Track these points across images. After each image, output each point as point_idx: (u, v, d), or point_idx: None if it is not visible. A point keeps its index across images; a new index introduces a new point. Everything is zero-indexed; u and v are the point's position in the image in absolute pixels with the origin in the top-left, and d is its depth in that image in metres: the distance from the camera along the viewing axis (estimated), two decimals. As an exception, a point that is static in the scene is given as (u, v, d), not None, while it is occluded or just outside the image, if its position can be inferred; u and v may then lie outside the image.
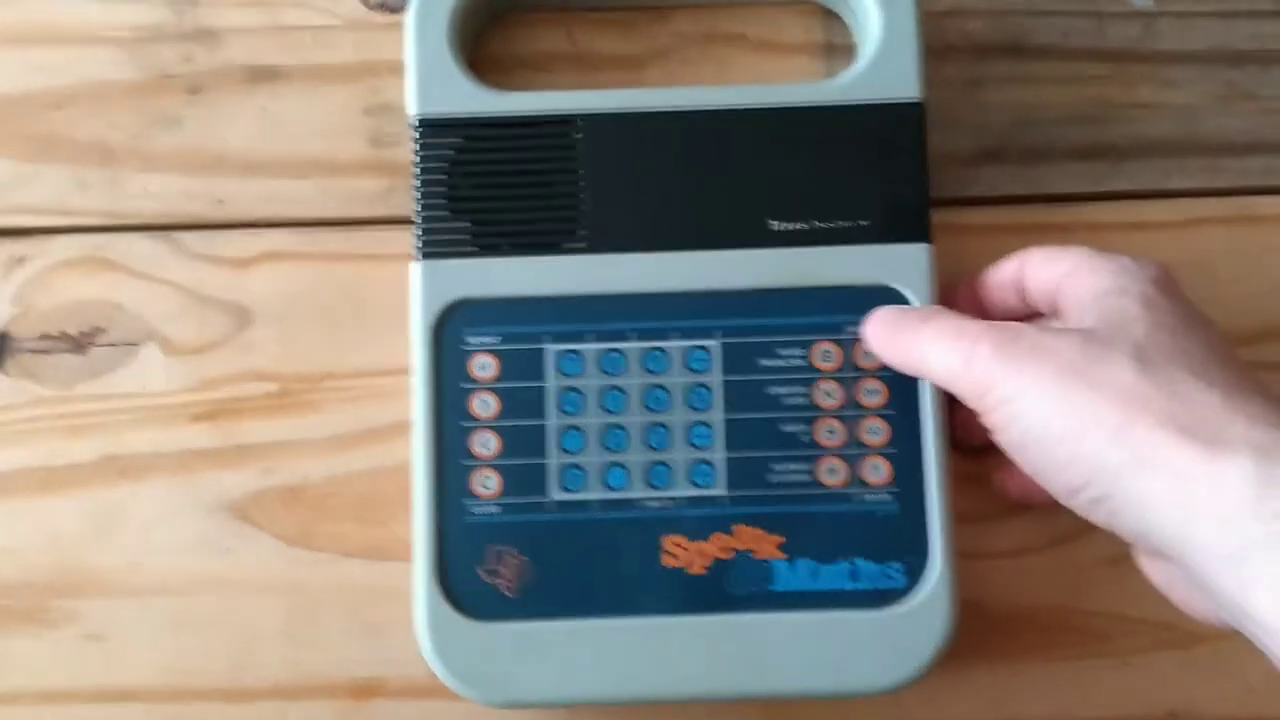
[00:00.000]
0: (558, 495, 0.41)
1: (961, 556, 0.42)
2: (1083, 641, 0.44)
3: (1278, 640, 0.30)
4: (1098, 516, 0.35)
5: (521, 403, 0.42)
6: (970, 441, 0.44)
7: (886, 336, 0.40)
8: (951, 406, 0.42)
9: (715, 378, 0.42)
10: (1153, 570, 0.37)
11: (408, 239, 0.43)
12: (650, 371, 0.42)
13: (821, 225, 0.42)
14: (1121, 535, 0.35)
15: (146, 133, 0.46)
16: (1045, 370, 0.34)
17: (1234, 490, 0.30)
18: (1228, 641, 0.35)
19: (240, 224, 0.46)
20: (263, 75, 0.46)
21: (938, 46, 0.46)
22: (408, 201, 0.43)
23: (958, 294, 0.43)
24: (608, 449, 0.41)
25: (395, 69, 0.45)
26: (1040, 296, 0.40)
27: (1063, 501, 0.35)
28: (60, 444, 0.44)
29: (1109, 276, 0.37)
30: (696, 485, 0.41)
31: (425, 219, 0.42)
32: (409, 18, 0.43)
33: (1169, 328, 0.35)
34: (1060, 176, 0.46)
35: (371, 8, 0.47)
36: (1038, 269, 0.40)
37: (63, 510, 0.44)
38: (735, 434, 0.41)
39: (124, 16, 0.47)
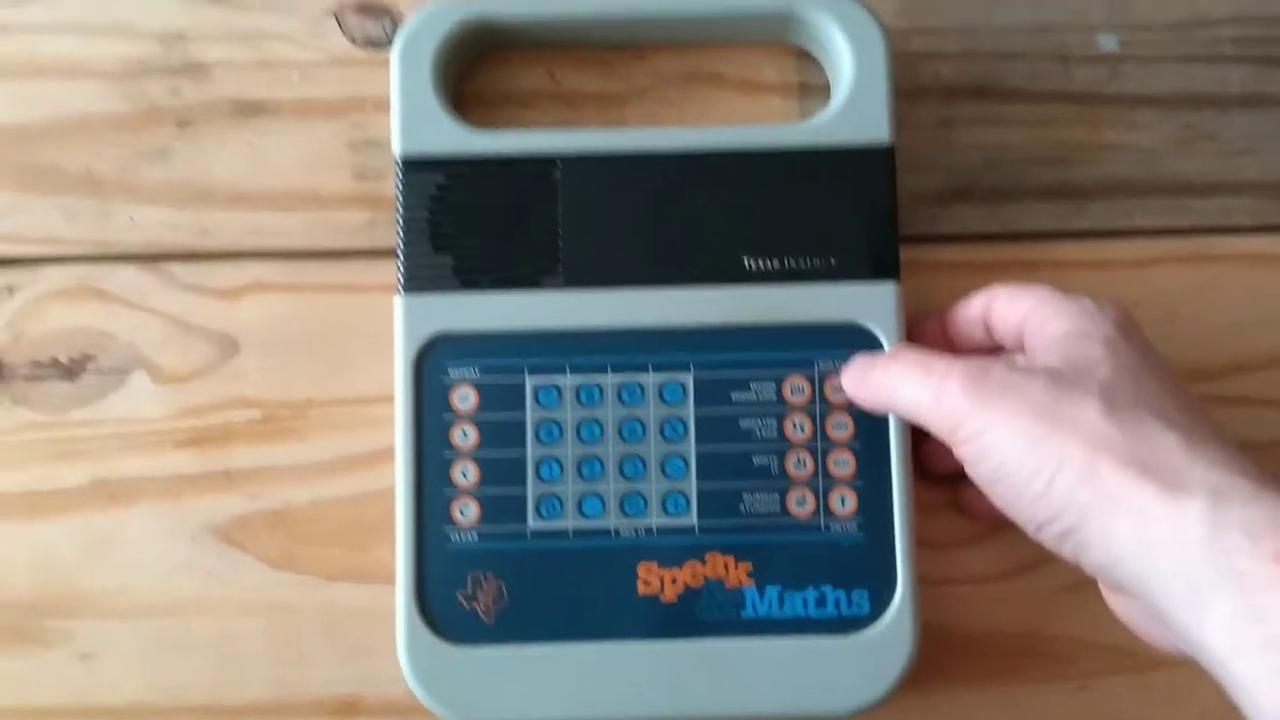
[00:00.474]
0: (535, 524, 0.42)
1: (927, 583, 0.44)
2: (1044, 665, 0.45)
3: (1228, 671, 0.31)
4: (1064, 550, 0.36)
5: (501, 434, 0.43)
6: (939, 469, 0.45)
7: (858, 379, 0.41)
8: (922, 434, 0.44)
9: (689, 411, 0.43)
10: (1116, 603, 0.39)
11: (391, 270, 0.44)
12: (626, 404, 0.43)
13: (794, 264, 0.43)
14: (1086, 569, 0.36)
15: (135, 165, 0.47)
16: (1015, 408, 0.35)
17: (1190, 530, 0.32)
18: (1183, 668, 0.36)
19: (227, 255, 0.47)
20: (250, 109, 0.47)
21: (909, 88, 0.47)
22: (391, 234, 0.45)
23: (926, 329, 0.44)
24: (584, 479, 0.43)
25: (380, 104, 0.47)
26: (1006, 333, 0.41)
27: (1030, 534, 0.37)
28: (51, 468, 0.46)
29: (1072, 318, 0.38)
30: (670, 515, 0.43)
31: (408, 254, 0.43)
32: (394, 57, 0.44)
33: (1131, 370, 0.36)
34: (1027, 215, 0.47)
35: (357, 44, 0.48)
36: (1003, 307, 0.41)
37: (54, 533, 0.45)
38: (708, 465, 0.43)
39: (113, 50, 0.48)
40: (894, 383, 0.39)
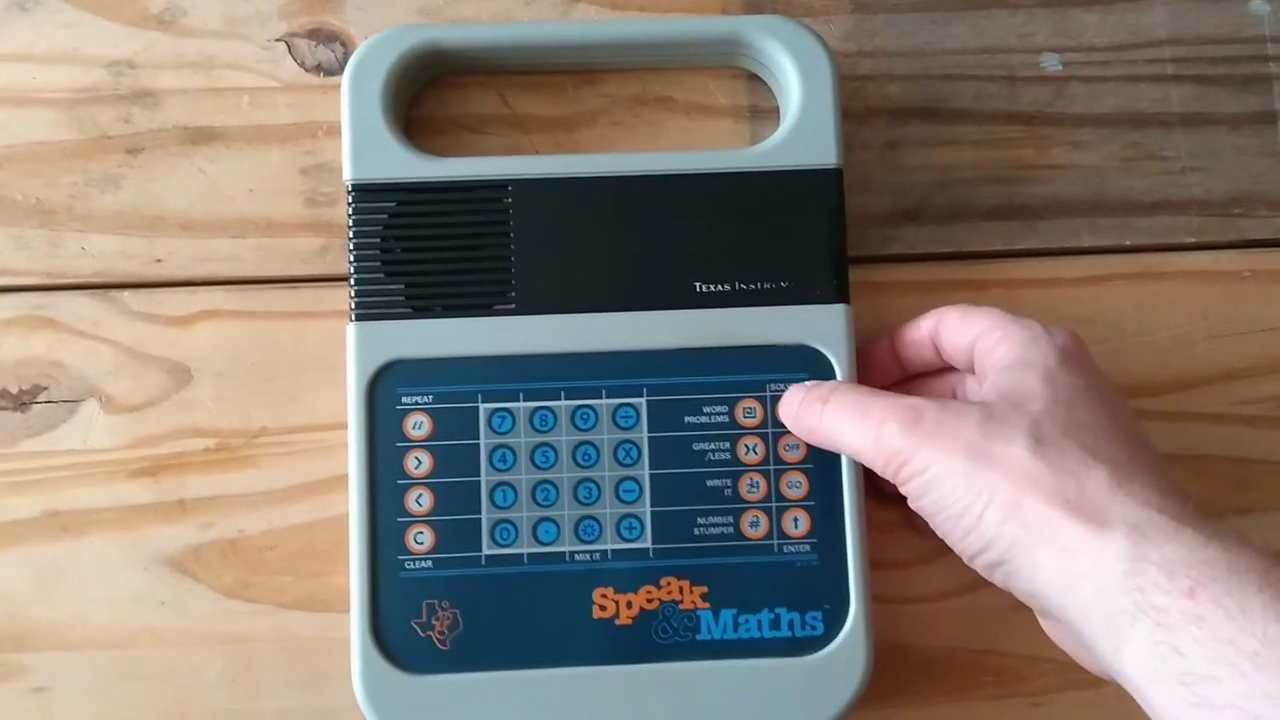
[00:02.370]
0: (490, 550, 0.42)
1: (881, 601, 0.44)
2: (997, 682, 0.45)
3: (1145, 700, 0.32)
4: (995, 578, 0.37)
5: (454, 460, 0.43)
6: (892, 490, 0.45)
7: (792, 419, 0.42)
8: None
9: (643, 434, 0.43)
10: (1049, 628, 0.40)
11: (343, 296, 0.44)
12: (580, 429, 0.43)
13: (744, 287, 0.44)
14: (1016, 596, 0.37)
15: (85, 193, 0.47)
16: (948, 446, 0.36)
17: (1109, 564, 0.33)
18: (1132, 684, 0.37)
19: (178, 282, 0.47)
20: (201, 136, 0.47)
21: (857, 110, 0.48)
22: (343, 260, 0.45)
23: (876, 350, 0.44)
24: (539, 504, 0.43)
25: (331, 130, 0.47)
26: (955, 354, 0.42)
27: (966, 561, 0.37)
28: (2, 501, 0.45)
29: (1018, 346, 0.39)
30: (625, 539, 0.43)
31: (360, 281, 0.43)
32: (344, 83, 0.44)
33: (1065, 403, 0.37)
34: (976, 235, 0.48)
35: (308, 70, 0.48)
36: (953, 328, 0.42)
37: (6, 565, 0.45)
38: (662, 488, 0.43)
39: (62, 78, 0.47)
40: (832, 428, 0.40)
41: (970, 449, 0.36)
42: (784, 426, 0.43)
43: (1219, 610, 0.31)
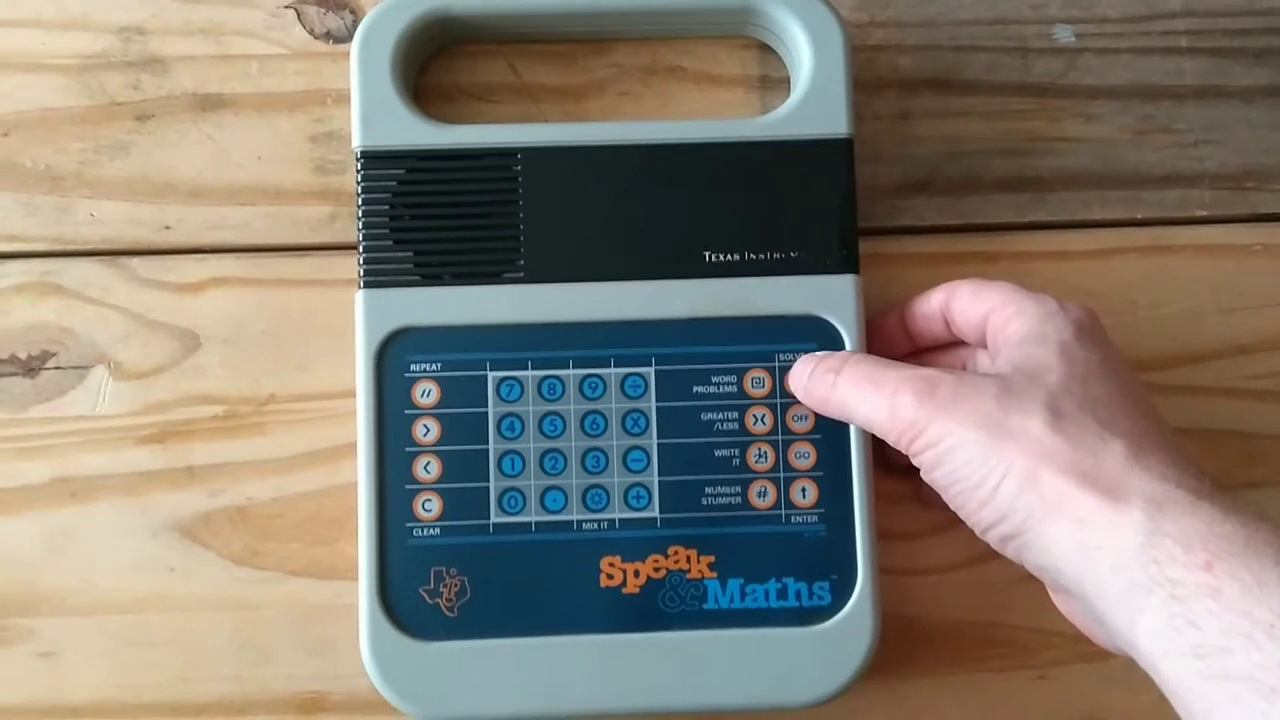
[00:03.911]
0: (497, 518, 0.42)
1: (889, 573, 0.44)
2: (1004, 654, 0.45)
3: (1158, 673, 0.32)
4: (1008, 551, 0.37)
5: (462, 428, 0.43)
6: (900, 461, 0.45)
7: (803, 389, 0.42)
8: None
9: (651, 404, 0.43)
10: (1061, 603, 0.39)
11: (352, 264, 0.44)
12: (587, 398, 0.43)
13: (754, 257, 0.44)
14: (1029, 570, 0.37)
15: (94, 159, 0.47)
16: (965, 419, 0.36)
17: (1126, 537, 0.33)
18: (1140, 656, 0.37)
19: (187, 250, 0.47)
20: (210, 103, 0.47)
21: (868, 80, 0.48)
22: (352, 228, 0.45)
23: (886, 322, 0.44)
24: (546, 473, 0.43)
25: (340, 97, 0.47)
26: (967, 328, 0.42)
27: (979, 534, 0.37)
28: (11, 466, 0.45)
29: (1033, 321, 0.39)
30: (632, 508, 0.43)
31: (368, 248, 0.43)
32: (353, 50, 0.44)
33: (1081, 378, 0.37)
34: (986, 207, 0.48)
35: (317, 37, 0.48)
36: (964, 303, 0.41)
37: (15, 531, 0.45)
38: (669, 458, 0.43)
39: (72, 45, 0.47)
40: (845, 399, 0.40)
41: (987, 421, 0.36)
42: (793, 397, 0.43)
43: (1235, 583, 0.30)
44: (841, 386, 0.40)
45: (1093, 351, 0.38)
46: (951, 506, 0.38)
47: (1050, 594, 0.39)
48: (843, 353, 0.42)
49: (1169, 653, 0.31)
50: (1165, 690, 0.32)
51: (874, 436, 0.43)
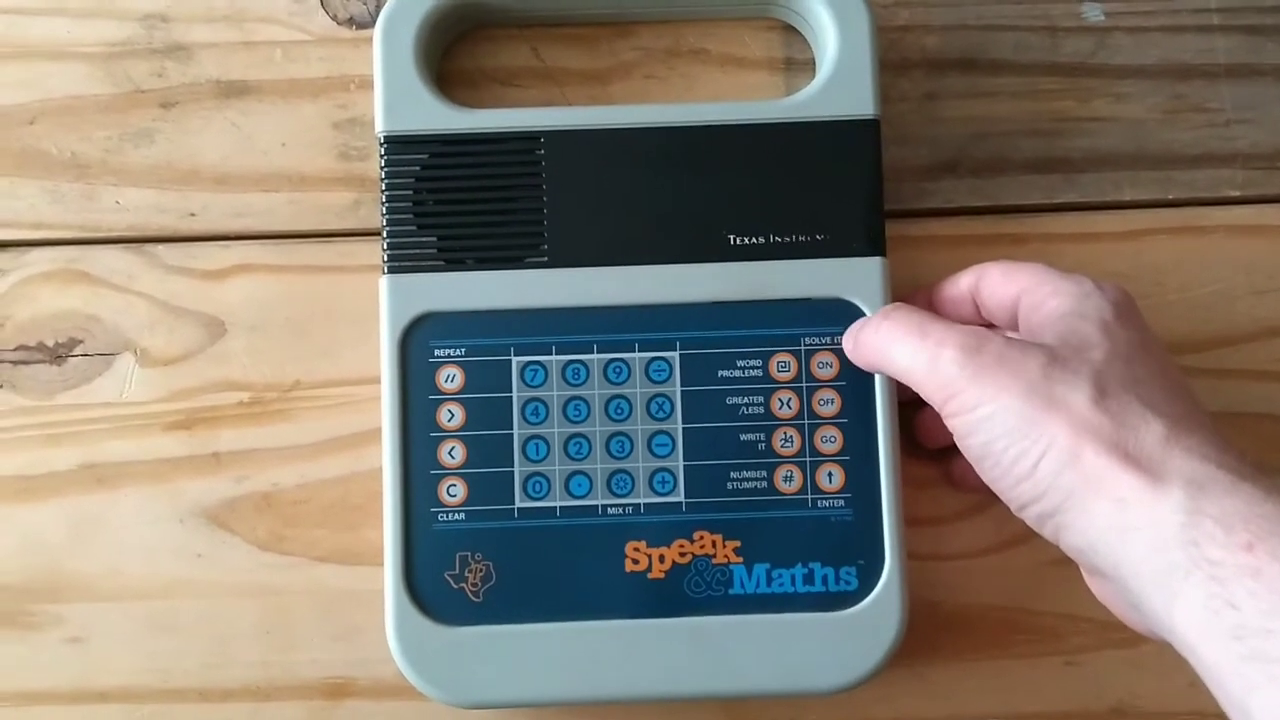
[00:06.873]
0: (522, 503, 0.42)
1: (916, 558, 0.44)
2: (1032, 640, 0.45)
3: (1196, 656, 0.31)
4: (1045, 531, 0.36)
5: (487, 413, 0.43)
6: (931, 443, 0.45)
7: (853, 341, 0.41)
8: (915, 408, 0.44)
9: (675, 388, 0.43)
10: (1095, 586, 0.39)
11: (376, 251, 0.44)
12: (612, 382, 0.43)
13: (779, 240, 0.43)
14: (1065, 550, 0.36)
15: (119, 147, 0.47)
16: (1009, 384, 0.35)
17: (1165, 518, 0.32)
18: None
19: (212, 237, 0.47)
20: (234, 90, 0.47)
21: (894, 61, 0.47)
22: (376, 215, 0.44)
23: (913, 305, 0.44)
24: (571, 458, 0.43)
25: (364, 83, 0.47)
26: (997, 309, 0.41)
27: (1014, 511, 0.37)
28: (39, 453, 0.46)
29: (1071, 298, 0.38)
30: (657, 493, 0.42)
31: (392, 233, 0.43)
32: (376, 35, 0.44)
33: (1124, 355, 0.36)
34: (1014, 188, 0.47)
35: (340, 23, 0.48)
36: (995, 283, 0.41)
37: (42, 517, 0.45)
38: (695, 442, 0.43)
39: (96, 32, 0.47)
40: (886, 343, 0.39)
41: (1031, 389, 0.35)
42: (819, 380, 0.42)
43: (1277, 564, 0.30)
44: (885, 329, 0.39)
45: (1133, 331, 0.37)
46: (985, 480, 0.37)
47: (1085, 577, 0.39)
48: (895, 303, 0.41)
49: (1207, 635, 0.31)
50: (1202, 673, 0.32)
51: (901, 419, 0.43)
